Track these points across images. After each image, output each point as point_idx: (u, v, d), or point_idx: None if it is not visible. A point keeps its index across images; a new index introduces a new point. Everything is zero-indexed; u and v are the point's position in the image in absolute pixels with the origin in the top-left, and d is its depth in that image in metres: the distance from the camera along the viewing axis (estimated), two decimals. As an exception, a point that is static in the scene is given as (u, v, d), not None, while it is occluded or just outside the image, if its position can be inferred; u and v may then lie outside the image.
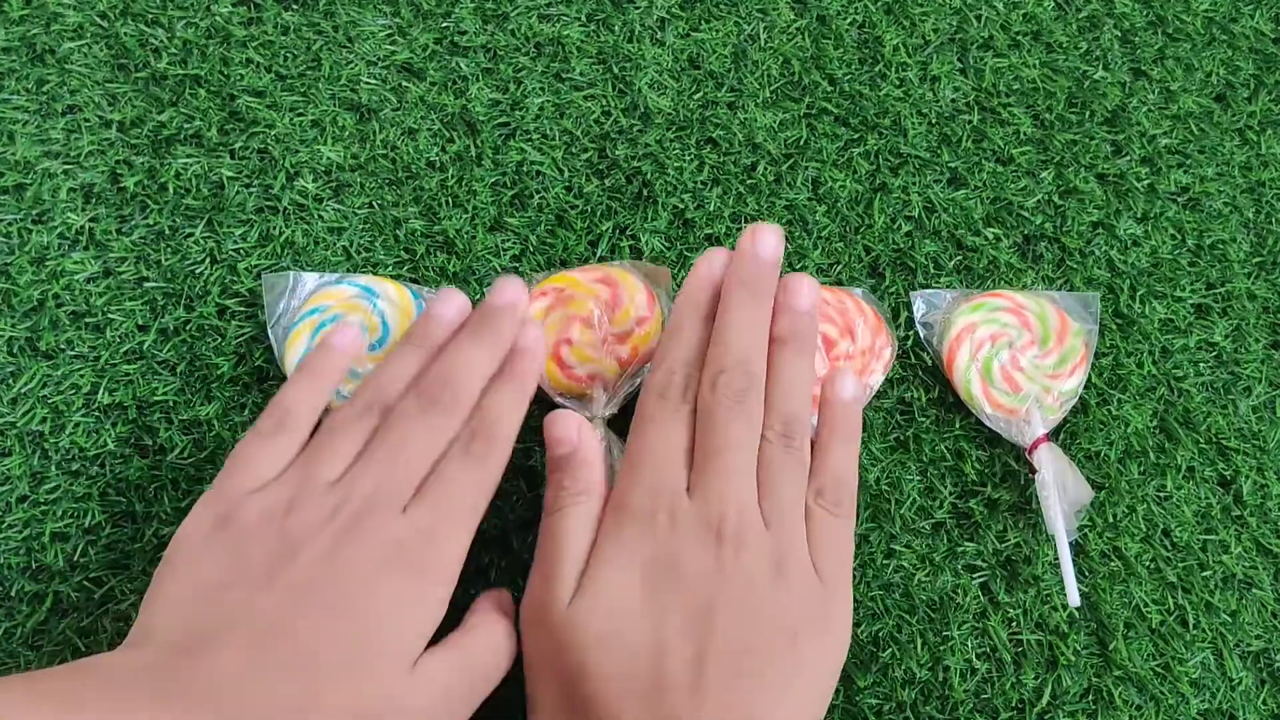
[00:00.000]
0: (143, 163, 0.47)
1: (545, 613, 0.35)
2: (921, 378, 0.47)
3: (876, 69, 0.53)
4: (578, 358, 0.44)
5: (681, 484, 0.37)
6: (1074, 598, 0.41)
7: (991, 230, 0.50)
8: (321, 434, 0.37)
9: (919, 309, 0.48)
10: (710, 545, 0.35)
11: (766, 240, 0.39)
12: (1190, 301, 0.50)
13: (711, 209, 0.49)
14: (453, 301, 0.41)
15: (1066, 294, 0.48)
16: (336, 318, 0.43)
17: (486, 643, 0.36)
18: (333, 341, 0.40)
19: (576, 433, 0.39)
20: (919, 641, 0.43)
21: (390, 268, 0.46)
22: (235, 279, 0.45)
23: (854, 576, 0.43)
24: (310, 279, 0.44)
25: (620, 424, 0.44)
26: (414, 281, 0.46)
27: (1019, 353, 0.46)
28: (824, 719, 0.40)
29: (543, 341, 0.41)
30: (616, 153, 0.49)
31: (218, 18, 0.49)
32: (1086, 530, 0.45)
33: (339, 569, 0.33)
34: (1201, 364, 0.49)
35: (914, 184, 0.50)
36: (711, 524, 0.35)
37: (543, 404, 0.43)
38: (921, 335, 0.47)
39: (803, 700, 0.34)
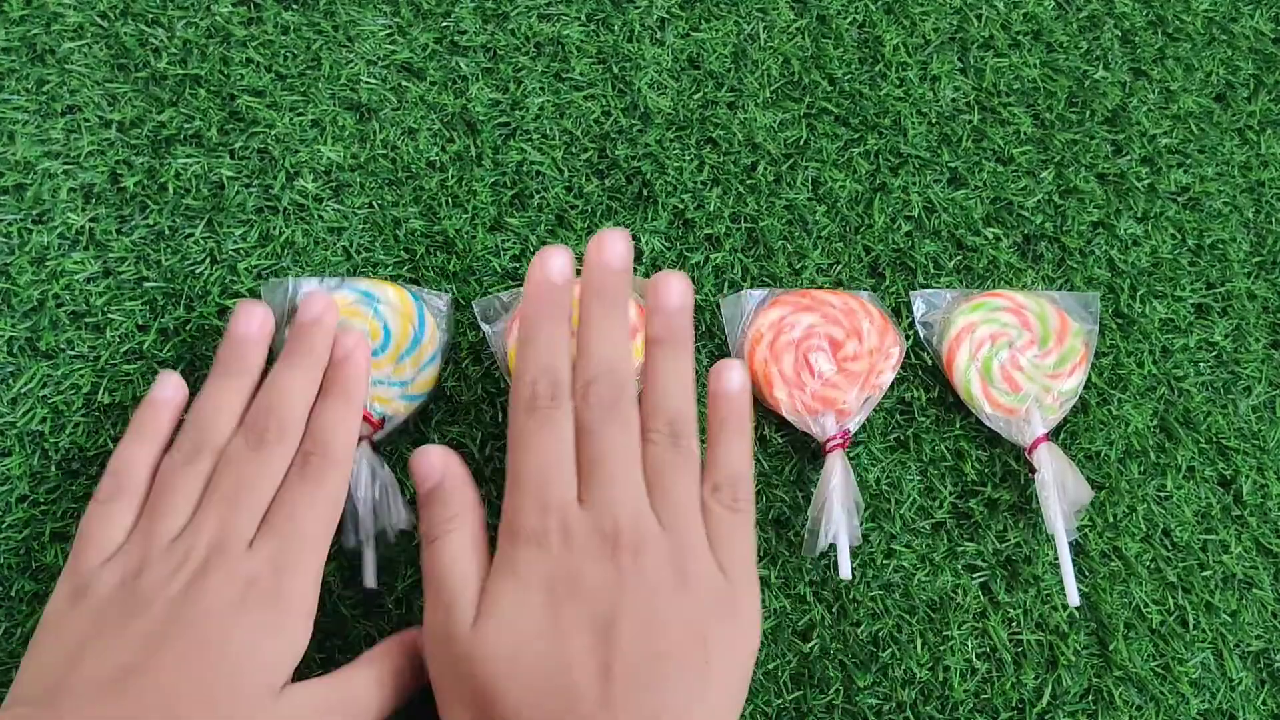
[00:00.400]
0: (143, 163, 0.47)
1: (448, 640, 0.35)
2: (921, 377, 0.47)
3: (876, 69, 0.53)
4: None
5: (570, 493, 0.36)
6: (1074, 598, 0.41)
7: (991, 230, 0.50)
8: (156, 491, 0.37)
9: (919, 309, 0.48)
10: (607, 555, 0.34)
11: (614, 247, 0.39)
12: (1190, 301, 0.50)
13: (711, 209, 0.49)
14: (251, 317, 0.40)
15: (1066, 294, 0.48)
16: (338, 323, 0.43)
17: (368, 678, 0.36)
18: (153, 396, 0.40)
19: (441, 462, 0.38)
20: (919, 641, 0.43)
21: (390, 268, 0.46)
22: (235, 279, 0.45)
23: (854, 576, 0.43)
24: (309, 286, 0.44)
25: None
26: (414, 282, 0.46)
27: (1019, 352, 0.46)
28: (816, 715, 0.40)
29: (363, 346, 0.41)
30: (616, 153, 0.49)
31: (218, 17, 0.49)
32: (1086, 530, 0.45)
33: (192, 613, 0.33)
34: (1201, 364, 0.49)
35: (914, 184, 0.50)
36: (606, 533, 0.35)
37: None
38: (921, 335, 0.47)
39: (717, 701, 0.34)
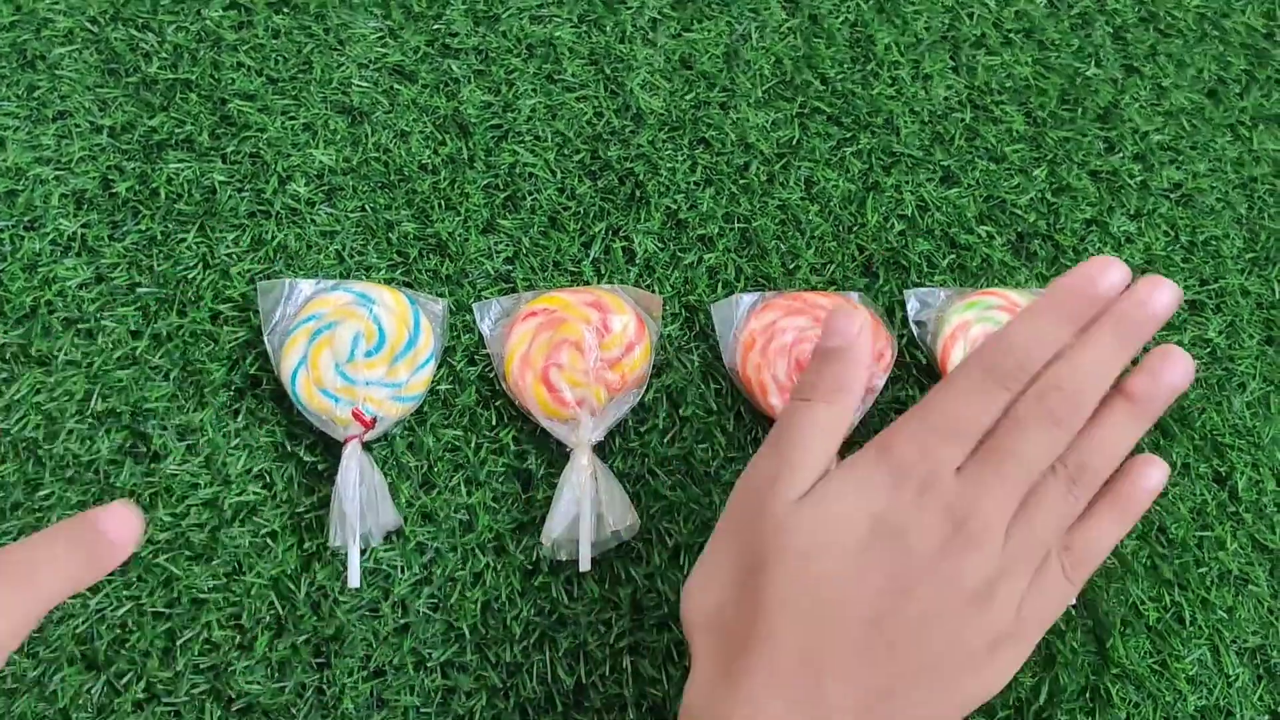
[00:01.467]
0: (134, 168, 0.47)
1: (766, 498, 0.35)
2: (916, 376, 0.47)
3: (869, 68, 0.53)
4: (567, 382, 0.44)
5: (958, 455, 0.35)
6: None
7: (985, 228, 0.50)
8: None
9: (913, 307, 0.48)
10: (944, 531, 0.34)
11: (1162, 297, 0.36)
12: (1184, 298, 0.50)
13: (704, 209, 0.49)
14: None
15: (1060, 291, 0.48)
16: (333, 325, 0.43)
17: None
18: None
19: (857, 330, 0.36)
20: (916, 640, 0.43)
21: (383, 271, 0.46)
22: (228, 284, 0.45)
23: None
24: (306, 286, 0.44)
25: (603, 450, 0.44)
26: (407, 285, 0.46)
27: (1013, 351, 0.46)
28: None
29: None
30: (609, 154, 0.49)
31: (208, 22, 0.49)
32: (1082, 527, 0.45)
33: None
34: (1195, 360, 0.49)
35: (907, 182, 0.50)
36: (956, 514, 0.34)
37: (522, 421, 0.43)
38: (915, 334, 0.47)
39: (936, 712, 0.34)
